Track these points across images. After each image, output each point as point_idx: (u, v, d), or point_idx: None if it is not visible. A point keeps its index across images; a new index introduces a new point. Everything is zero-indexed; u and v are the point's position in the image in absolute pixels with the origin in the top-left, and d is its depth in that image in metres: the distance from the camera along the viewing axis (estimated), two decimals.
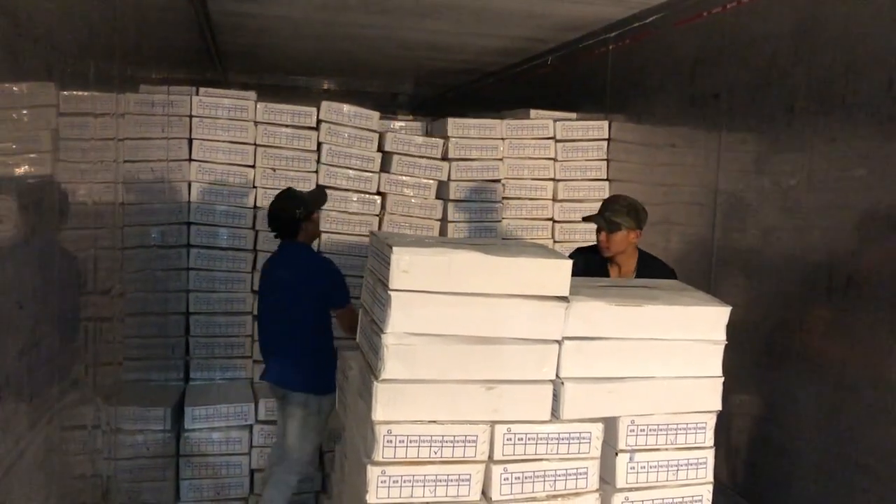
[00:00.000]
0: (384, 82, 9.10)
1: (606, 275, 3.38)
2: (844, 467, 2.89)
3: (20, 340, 1.48)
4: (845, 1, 3.00)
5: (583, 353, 2.27)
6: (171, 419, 3.79)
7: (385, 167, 4.57)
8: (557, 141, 4.82)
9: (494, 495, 2.23)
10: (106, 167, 2.38)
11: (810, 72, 3.12)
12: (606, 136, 4.85)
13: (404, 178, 4.58)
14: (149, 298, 3.68)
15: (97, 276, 2.31)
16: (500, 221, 4.73)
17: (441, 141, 4.65)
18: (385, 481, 2.17)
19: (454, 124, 4.67)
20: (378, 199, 4.55)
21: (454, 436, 2.20)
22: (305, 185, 4.42)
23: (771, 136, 3.37)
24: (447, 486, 2.20)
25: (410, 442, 2.17)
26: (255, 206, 4.36)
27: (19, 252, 1.52)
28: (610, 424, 2.32)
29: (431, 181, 4.62)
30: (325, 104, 4.49)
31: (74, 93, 2.00)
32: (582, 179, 4.81)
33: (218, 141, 4.30)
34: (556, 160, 4.83)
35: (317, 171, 4.45)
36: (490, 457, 2.23)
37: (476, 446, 2.21)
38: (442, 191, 4.67)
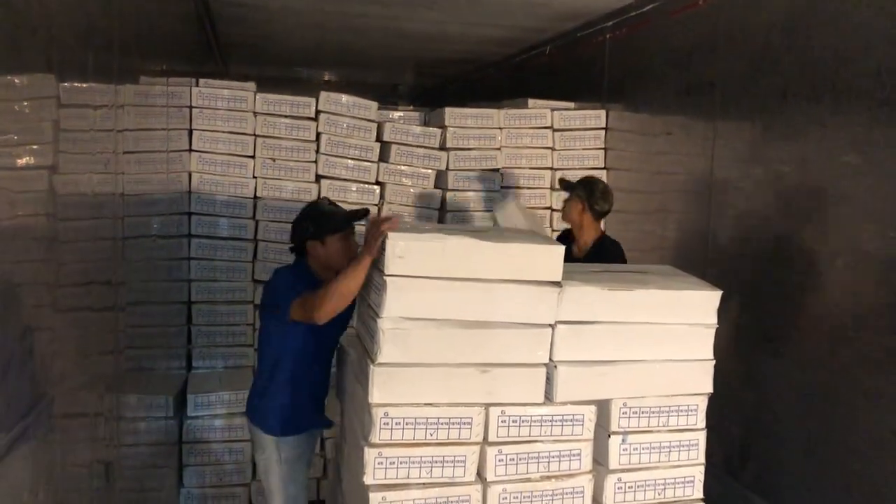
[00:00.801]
0: (384, 73, 9.13)
1: (571, 245, 3.63)
2: (836, 450, 2.93)
3: (20, 326, 1.52)
4: None
5: (576, 337, 2.32)
6: (173, 407, 3.84)
7: (384, 157, 4.61)
8: (555, 130, 4.85)
9: (489, 476, 2.28)
10: (106, 158, 2.42)
11: (802, 60, 3.15)
12: (604, 126, 4.88)
13: (403, 167, 4.61)
14: (151, 288, 3.72)
15: (98, 266, 2.35)
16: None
17: (439, 131, 4.68)
18: (382, 462, 2.22)
19: (452, 114, 4.70)
20: (377, 188, 4.59)
21: (449, 418, 2.25)
22: (305, 175, 4.46)
23: (764, 123, 3.40)
24: (443, 467, 2.26)
25: (407, 424, 2.23)
26: (255, 197, 4.40)
27: (19, 238, 1.56)
28: (603, 407, 2.37)
29: (430, 171, 4.66)
30: (323, 94, 4.52)
31: (75, 84, 2.04)
32: (579, 168, 4.83)
33: (218, 132, 4.33)
34: (554, 149, 4.86)
35: (316, 161, 4.49)
36: (485, 438, 2.28)
37: (471, 428, 2.26)
38: (440, 180, 4.70)
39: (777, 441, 3.25)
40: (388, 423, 2.21)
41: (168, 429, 3.81)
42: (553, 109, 4.87)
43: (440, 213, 4.69)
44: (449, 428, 2.25)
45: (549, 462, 2.32)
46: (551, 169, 4.85)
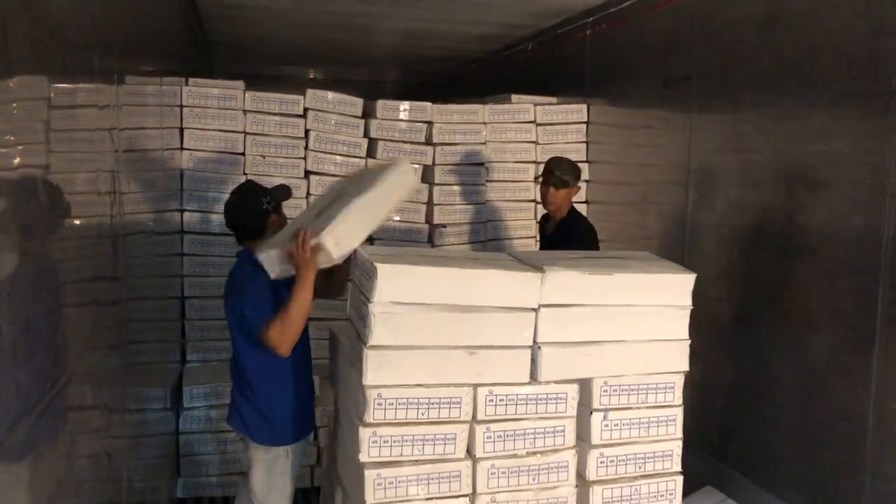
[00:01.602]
0: (370, 70, 9.21)
1: (546, 224, 3.97)
2: (812, 427, 3.06)
3: (18, 323, 1.57)
4: None
5: (558, 320, 2.44)
6: (170, 398, 3.94)
7: (371, 152, 4.71)
8: (538, 125, 4.97)
9: (478, 453, 2.40)
10: (105, 157, 2.51)
11: (774, 53, 3.28)
12: (585, 119, 5.00)
13: None
14: (146, 284, 3.81)
15: (96, 263, 2.43)
16: (484, 204, 4.88)
17: (425, 126, 4.79)
18: (376, 441, 2.33)
19: (438, 110, 4.80)
20: None
21: (440, 398, 2.37)
22: (294, 171, 4.56)
23: (739, 114, 3.53)
24: (434, 444, 2.37)
25: (399, 404, 2.34)
26: None
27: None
28: (585, 385, 2.49)
29: (417, 165, 4.76)
30: (310, 92, 4.62)
31: (76, 85, 2.13)
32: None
33: (208, 130, 4.42)
34: (538, 143, 4.97)
35: (305, 158, 4.59)
36: (473, 417, 2.40)
37: (460, 407, 2.38)
38: (427, 175, 4.81)
39: (755, 419, 3.39)
40: (381, 404, 2.32)
41: (166, 420, 3.90)
42: (536, 104, 4.98)
43: (428, 208, 4.80)
44: (439, 407, 2.37)
45: (534, 438, 2.44)
46: (535, 162, 4.97)
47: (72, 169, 2.15)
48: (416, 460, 2.36)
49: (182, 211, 4.40)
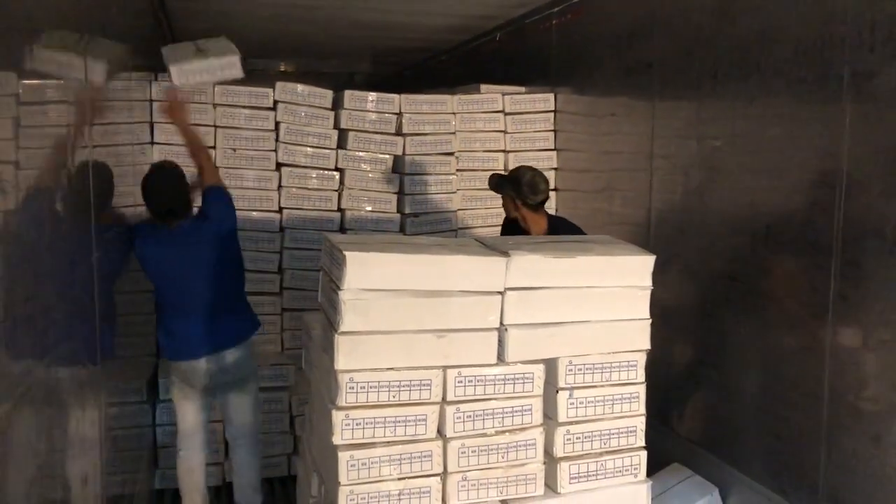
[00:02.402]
0: (340, 62, 9.21)
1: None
2: (771, 402, 3.18)
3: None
4: None
5: (524, 302, 2.52)
6: (146, 391, 3.98)
7: (342, 144, 4.76)
8: (507, 114, 5.05)
9: (448, 433, 2.47)
10: (79, 152, 2.54)
11: (730, 40, 3.38)
12: (553, 108, 5.09)
13: (361, 153, 4.77)
14: (121, 278, 3.83)
15: (70, 258, 2.47)
16: (455, 192, 4.95)
17: (395, 117, 4.85)
18: (349, 424, 2.40)
19: (406, 101, 4.86)
20: (336, 174, 4.74)
21: (410, 381, 2.43)
22: (265, 164, 4.60)
23: (698, 101, 3.63)
24: (405, 426, 2.44)
25: (370, 388, 2.40)
26: None
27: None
28: (550, 365, 2.57)
29: (387, 156, 4.82)
30: (279, 84, 4.66)
31: (45, 81, 2.16)
32: (531, 150, 5.04)
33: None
34: (506, 132, 5.05)
35: (276, 150, 4.63)
36: (443, 398, 2.47)
37: (430, 389, 2.45)
38: (398, 165, 4.87)
39: (719, 395, 3.51)
40: (353, 388, 2.39)
41: (143, 412, 3.94)
42: (504, 94, 5.06)
43: (399, 197, 4.86)
44: (410, 390, 2.44)
45: (503, 418, 2.52)
46: (504, 151, 5.05)
47: (45, 165, 2.18)
48: (389, 441, 2.43)
49: None
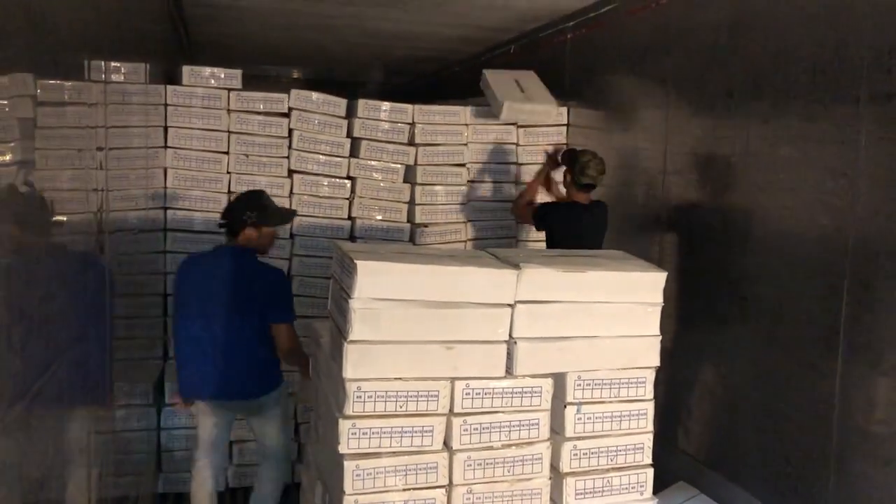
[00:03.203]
0: (353, 71, 9.27)
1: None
2: (780, 422, 3.16)
3: (13, 310, 1.61)
4: None
5: (534, 316, 2.51)
6: (152, 394, 3.98)
7: (354, 152, 4.77)
8: (519, 126, 5.05)
9: (455, 445, 2.47)
10: (91, 155, 2.55)
11: (746, 59, 3.38)
12: (566, 122, 5.09)
13: (373, 162, 4.78)
14: (130, 280, 3.85)
15: (80, 259, 2.47)
16: (465, 203, 4.96)
17: (408, 127, 4.85)
18: (356, 433, 2.39)
19: (419, 111, 4.87)
20: (348, 183, 4.75)
21: (418, 391, 2.43)
22: (278, 170, 4.61)
23: (712, 119, 3.63)
24: (412, 436, 2.44)
25: (378, 397, 2.40)
26: (229, 192, 4.53)
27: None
28: (559, 379, 2.56)
29: (399, 165, 4.83)
30: (293, 92, 4.67)
31: (60, 82, 2.17)
32: (543, 163, 5.03)
33: (193, 128, 4.47)
34: (518, 145, 5.05)
35: (288, 157, 4.64)
36: (451, 410, 2.47)
37: (438, 401, 2.45)
38: (409, 175, 4.87)
39: (727, 415, 3.49)
40: (360, 397, 2.38)
41: (148, 415, 3.95)
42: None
43: (409, 207, 4.86)
44: (417, 400, 2.43)
45: (510, 431, 2.51)
46: (516, 164, 5.05)
47: (60, 166, 2.20)
48: (395, 452, 2.42)
49: (166, 209, 4.44)
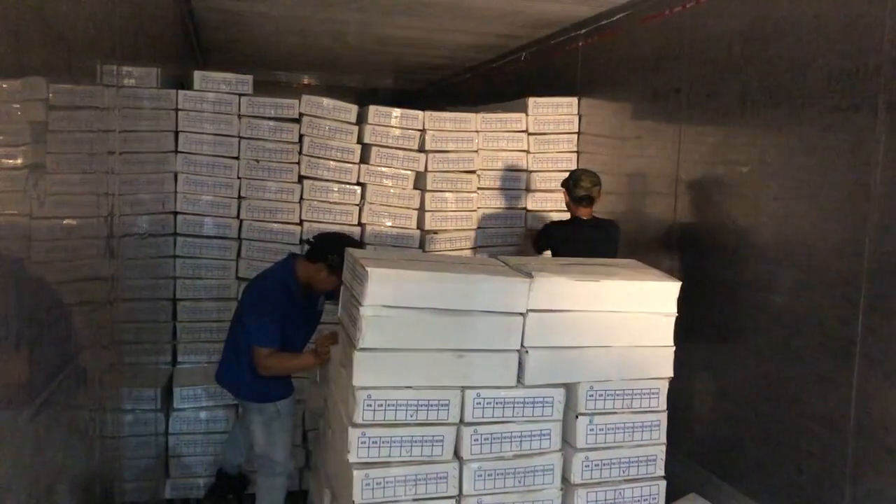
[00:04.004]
0: (364, 77, 9.27)
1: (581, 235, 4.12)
2: (794, 435, 3.11)
3: (16, 323, 1.60)
4: (792, 1, 3.23)
5: (546, 325, 2.49)
6: (160, 399, 3.96)
7: (364, 158, 4.75)
8: (530, 134, 5.02)
9: (465, 455, 2.44)
10: (103, 159, 2.54)
11: (761, 68, 3.35)
12: (577, 130, 5.06)
13: (383, 168, 4.76)
14: (139, 285, 3.84)
15: (89, 263, 2.46)
16: (475, 211, 4.93)
17: (418, 133, 4.83)
18: (365, 442, 2.37)
19: (431, 117, 4.85)
20: (358, 189, 4.73)
21: (428, 400, 2.41)
22: (288, 176, 4.60)
23: (726, 127, 3.60)
24: (422, 446, 2.41)
25: (388, 406, 2.38)
26: (239, 197, 4.53)
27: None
28: (571, 389, 2.54)
29: (409, 172, 4.81)
30: (304, 97, 4.66)
31: (77, 87, 2.17)
32: (554, 170, 5.01)
33: (203, 133, 4.46)
34: (529, 152, 5.03)
35: (298, 163, 4.63)
36: (461, 419, 2.44)
37: (448, 410, 2.42)
38: (420, 181, 4.86)
39: (738, 425, 3.44)
40: (370, 405, 2.36)
41: (156, 420, 3.93)
42: (528, 114, 5.03)
43: (419, 214, 4.84)
44: (428, 409, 2.41)
45: (521, 441, 2.48)
46: (527, 171, 5.03)
47: (70, 170, 2.19)
48: (404, 461, 2.40)
49: (175, 213, 4.43)
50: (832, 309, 2.92)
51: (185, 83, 4.59)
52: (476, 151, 4.92)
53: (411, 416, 2.40)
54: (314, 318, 3.69)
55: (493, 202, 4.98)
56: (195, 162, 4.46)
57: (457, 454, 2.45)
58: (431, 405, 2.41)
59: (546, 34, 5.49)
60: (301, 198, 4.62)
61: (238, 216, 4.54)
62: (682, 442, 3.63)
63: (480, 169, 4.95)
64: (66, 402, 1.89)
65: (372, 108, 4.76)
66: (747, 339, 3.38)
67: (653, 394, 2.61)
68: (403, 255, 3.05)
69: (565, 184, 4.23)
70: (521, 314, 2.46)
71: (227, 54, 7.16)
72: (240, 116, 4.53)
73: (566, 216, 4.37)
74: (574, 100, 5.06)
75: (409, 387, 2.39)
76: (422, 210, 4.84)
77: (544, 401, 2.49)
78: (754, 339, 3.34)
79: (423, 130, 4.83)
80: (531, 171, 5.03)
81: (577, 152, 5.06)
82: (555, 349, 2.49)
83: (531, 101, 5.02)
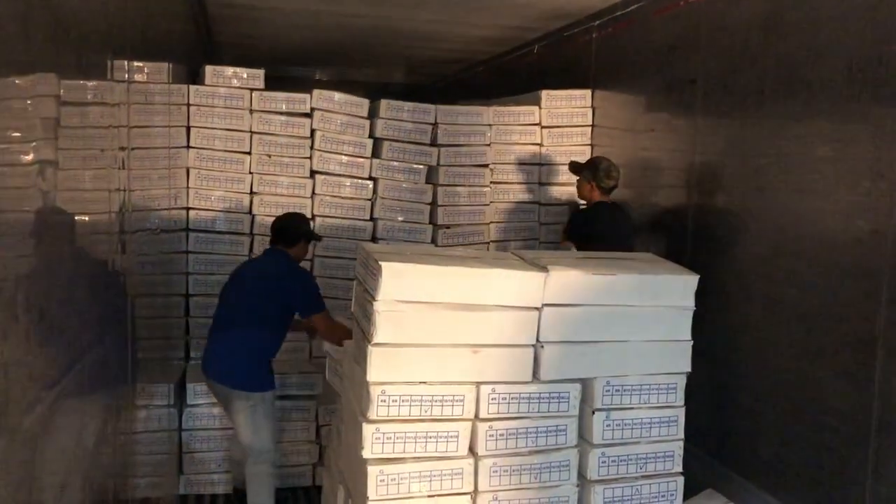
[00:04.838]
0: (376, 71, 9.24)
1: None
2: (814, 430, 3.07)
3: (28, 321, 1.59)
4: None
5: (561, 319, 2.46)
6: (174, 395, 3.96)
7: (376, 153, 4.73)
8: (543, 127, 4.98)
9: (480, 450, 2.41)
10: (114, 155, 2.53)
11: (778, 57, 3.30)
12: (590, 123, 5.02)
13: (395, 163, 4.74)
14: (152, 281, 3.83)
15: (101, 258, 2.45)
16: (488, 205, 4.90)
17: (430, 127, 4.80)
18: (379, 438, 2.35)
19: (443, 111, 4.82)
20: (370, 183, 4.71)
21: (443, 395, 2.38)
22: (300, 171, 4.59)
23: (742, 119, 3.55)
24: (437, 442, 2.39)
25: (402, 401, 2.36)
26: (251, 192, 4.52)
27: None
28: (587, 385, 2.50)
29: (421, 166, 4.78)
30: (316, 92, 4.64)
31: (89, 82, 2.15)
32: (567, 164, 4.96)
33: (215, 129, 4.45)
34: (542, 145, 4.99)
35: (310, 157, 4.61)
36: (476, 415, 2.41)
37: (463, 405, 2.40)
38: (432, 175, 4.83)
39: (755, 421, 3.40)
40: (385, 401, 2.34)
41: (169, 416, 3.93)
42: (541, 107, 4.99)
43: (432, 208, 4.82)
44: (442, 405, 2.38)
45: (536, 437, 2.46)
46: (539, 165, 4.99)
47: (81, 165, 2.17)
48: (419, 457, 2.38)
49: (188, 209, 4.42)
50: (853, 303, 2.87)
51: (196, 78, 4.57)
52: (489, 145, 4.89)
53: (426, 411, 2.37)
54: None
55: (506, 196, 4.95)
56: (207, 157, 4.45)
57: (472, 450, 2.43)
58: (446, 401, 2.38)
59: (559, 26, 5.43)
60: (313, 193, 4.60)
61: (250, 211, 4.53)
62: (698, 437, 3.59)
63: (493, 163, 4.91)
64: (78, 398, 1.88)
65: (384, 103, 4.73)
66: (766, 333, 3.33)
67: (671, 389, 2.57)
68: (417, 250, 3.03)
69: (585, 171, 4.26)
70: (536, 308, 2.43)
71: (239, 49, 7.14)
72: (251, 111, 4.52)
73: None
74: (588, 92, 5.01)
75: (424, 382, 2.37)
76: (434, 204, 4.81)
77: (560, 396, 2.46)
78: (773, 334, 3.29)
79: (435, 124, 4.80)
80: (544, 165, 4.99)
81: (591, 145, 5.01)
82: (570, 344, 2.46)
83: (544, 93, 4.98)
